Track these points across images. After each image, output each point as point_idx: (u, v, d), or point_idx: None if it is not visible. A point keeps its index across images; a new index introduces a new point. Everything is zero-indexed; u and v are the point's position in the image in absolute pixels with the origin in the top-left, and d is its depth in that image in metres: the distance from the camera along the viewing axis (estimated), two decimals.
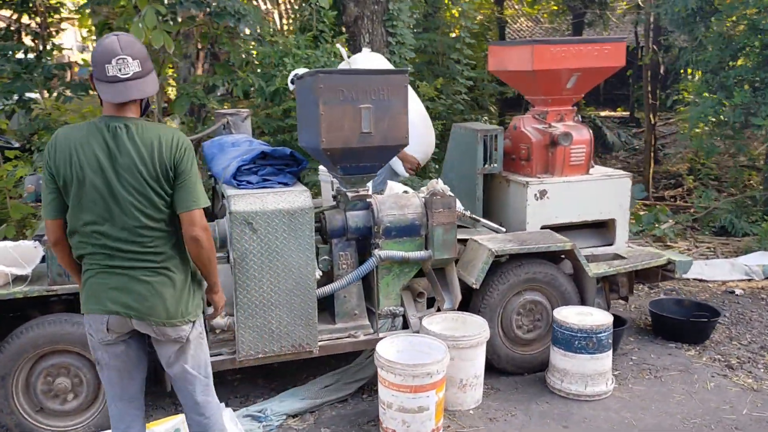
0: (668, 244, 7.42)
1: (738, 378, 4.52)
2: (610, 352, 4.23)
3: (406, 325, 4.29)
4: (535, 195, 4.74)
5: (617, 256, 4.85)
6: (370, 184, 4.28)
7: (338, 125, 3.85)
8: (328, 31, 6.76)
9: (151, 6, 6.04)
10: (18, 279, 3.56)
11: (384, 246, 4.12)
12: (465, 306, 4.41)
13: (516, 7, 17.74)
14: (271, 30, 6.91)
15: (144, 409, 2.90)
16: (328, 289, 4.01)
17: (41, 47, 8.55)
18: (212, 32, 6.92)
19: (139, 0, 6.23)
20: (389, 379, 3.64)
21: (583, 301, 4.58)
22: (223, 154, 4.39)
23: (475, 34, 15.32)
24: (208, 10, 6.24)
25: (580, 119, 5.04)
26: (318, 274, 3.91)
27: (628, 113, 19.18)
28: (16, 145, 4.61)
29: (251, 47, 6.33)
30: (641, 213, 7.94)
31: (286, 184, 3.98)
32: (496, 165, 4.91)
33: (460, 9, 8.27)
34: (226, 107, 6.32)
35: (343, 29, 7.10)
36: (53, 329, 3.58)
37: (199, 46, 7.09)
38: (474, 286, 4.25)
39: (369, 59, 5.53)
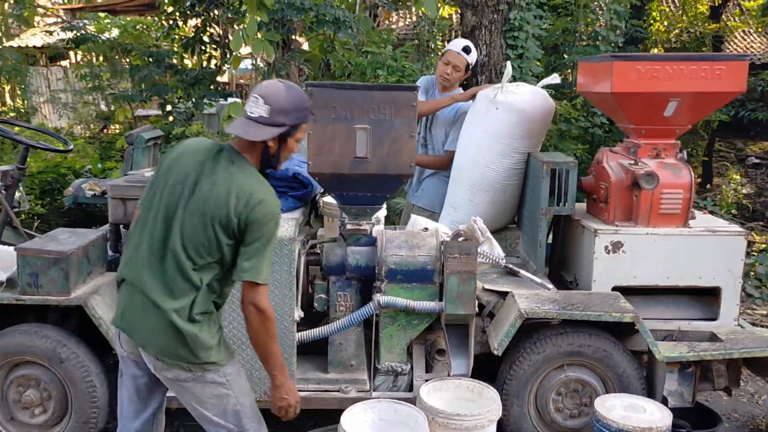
0: None
1: None
2: None
3: (412, 387, 3.63)
4: (606, 247, 3.80)
5: (713, 337, 3.73)
6: (379, 215, 3.66)
7: (328, 147, 3.32)
8: (438, 43, 6.18)
9: (254, 15, 5.95)
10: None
11: (388, 291, 3.51)
12: (494, 374, 3.65)
13: (735, 20, 15.55)
14: (383, 38, 6.47)
15: None
16: (312, 333, 3.50)
17: (220, 56, 9.03)
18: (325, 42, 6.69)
19: (248, 7, 6.20)
20: None
21: (650, 389, 3.58)
22: None
23: (683, 50, 13.61)
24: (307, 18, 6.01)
25: (685, 156, 3.97)
26: (297, 315, 3.40)
27: None
28: (70, 146, 4.68)
29: (349, 57, 5.96)
30: None
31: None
32: (566, 205, 4.03)
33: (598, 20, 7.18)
34: None
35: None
36: (21, 339, 3.47)
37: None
38: (495, 353, 3.47)
39: (527, 92, 4.20)
